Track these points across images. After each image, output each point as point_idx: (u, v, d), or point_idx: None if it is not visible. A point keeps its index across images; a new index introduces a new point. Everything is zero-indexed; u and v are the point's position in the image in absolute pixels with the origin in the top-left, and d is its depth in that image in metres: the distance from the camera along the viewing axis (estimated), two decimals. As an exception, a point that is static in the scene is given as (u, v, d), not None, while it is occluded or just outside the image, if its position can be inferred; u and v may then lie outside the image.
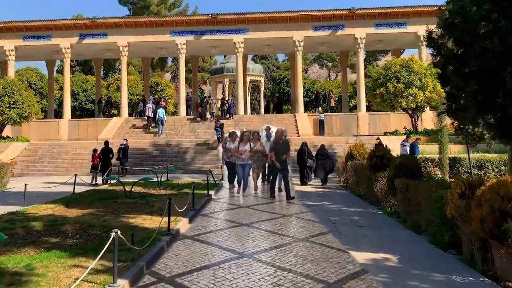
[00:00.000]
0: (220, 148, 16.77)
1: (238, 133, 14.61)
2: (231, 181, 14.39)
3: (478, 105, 6.62)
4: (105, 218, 8.89)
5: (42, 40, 30.35)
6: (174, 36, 29.74)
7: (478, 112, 6.59)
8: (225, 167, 15.39)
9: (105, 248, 4.85)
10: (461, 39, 6.37)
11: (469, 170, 14.31)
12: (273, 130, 16.76)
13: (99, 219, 8.80)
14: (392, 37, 30.36)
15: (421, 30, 28.49)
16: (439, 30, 7.32)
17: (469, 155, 11.46)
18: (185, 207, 9.05)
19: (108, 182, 16.16)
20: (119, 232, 4.84)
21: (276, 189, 13.13)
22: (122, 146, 18.61)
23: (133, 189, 13.48)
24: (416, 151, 17.51)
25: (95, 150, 17.96)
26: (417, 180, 8.47)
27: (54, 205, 10.83)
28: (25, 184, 11.98)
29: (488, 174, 15.22)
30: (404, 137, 20.84)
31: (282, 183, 12.70)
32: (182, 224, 8.22)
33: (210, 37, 29.90)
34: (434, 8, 27.77)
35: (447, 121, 14.91)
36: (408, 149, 18.42)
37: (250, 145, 13.36)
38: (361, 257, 6.29)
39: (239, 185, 13.43)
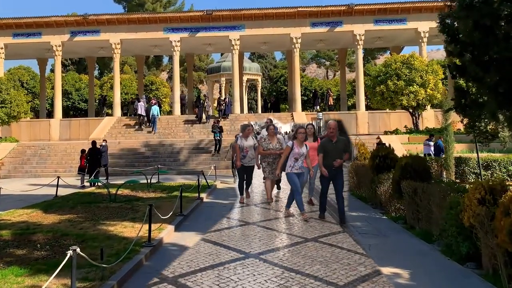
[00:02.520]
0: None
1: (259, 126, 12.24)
2: (242, 191, 11.31)
3: (498, 98, 5.82)
4: (82, 226, 8.07)
5: (32, 37, 29.49)
6: (168, 33, 28.92)
7: (500, 106, 5.79)
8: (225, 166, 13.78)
9: (59, 268, 4.02)
10: (481, 22, 5.56)
11: (478, 171, 13.55)
12: (276, 123, 13.87)
13: (76, 227, 7.98)
14: (391, 34, 29.60)
15: (421, 27, 27.87)
16: (448, 21, 6.57)
17: (478, 155, 10.70)
18: (171, 213, 8.24)
19: (96, 184, 15.34)
20: (78, 250, 4.02)
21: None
22: (101, 147, 17.44)
23: (121, 192, 12.73)
24: (443, 151, 16.65)
25: (83, 151, 17.13)
26: (426, 183, 7.68)
27: (32, 210, 10.01)
28: (0, 188, 11.13)
29: (495, 175, 14.47)
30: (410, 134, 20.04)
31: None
32: (166, 233, 7.40)
33: (205, 34, 29.08)
34: (435, 3, 27.11)
35: (453, 118, 14.16)
36: (432, 148, 17.48)
37: (306, 147, 9.03)
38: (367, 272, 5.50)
39: (299, 205, 8.96)
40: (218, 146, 22.01)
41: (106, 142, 18.23)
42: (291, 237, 7.28)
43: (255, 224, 8.45)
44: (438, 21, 6.41)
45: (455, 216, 5.90)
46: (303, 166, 9.00)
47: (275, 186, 12.08)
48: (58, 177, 13.34)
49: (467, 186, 7.93)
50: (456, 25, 6.04)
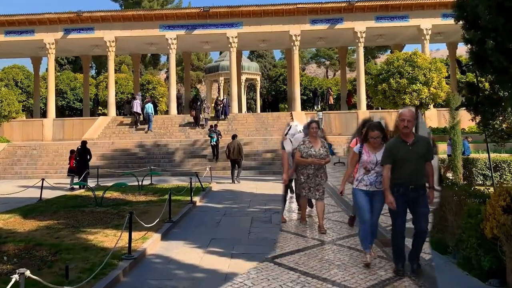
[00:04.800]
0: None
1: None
2: (284, 205, 8.77)
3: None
4: (60, 234, 7.36)
5: (25, 35, 28.69)
6: (164, 31, 28.17)
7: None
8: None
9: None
10: (506, 5, 4.85)
11: (487, 172, 12.86)
12: (295, 125, 8.92)
13: (53, 235, 7.27)
14: (393, 31, 28.88)
15: (424, 24, 27.20)
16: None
17: (489, 156, 10.01)
18: (158, 219, 7.52)
19: (85, 186, 14.60)
20: (27, 273, 3.31)
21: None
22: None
23: (110, 195, 12.08)
24: (467, 152, 15.84)
25: (72, 151, 16.38)
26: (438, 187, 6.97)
27: (10, 216, 9.29)
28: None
29: (504, 177, 13.78)
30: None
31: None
32: (151, 242, 6.68)
33: (202, 32, 28.33)
34: (438, 0, 26.43)
35: (460, 117, 13.47)
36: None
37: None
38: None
39: (363, 240, 5.82)
40: (216, 151, 20.81)
41: (86, 143, 17.02)
42: (297, 239, 6.64)
43: (250, 231, 7.75)
44: (455, 6, 5.70)
45: (475, 226, 5.21)
46: (380, 181, 5.59)
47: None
48: (43, 179, 12.64)
49: (483, 189, 7.24)
50: (476, 9, 5.32)
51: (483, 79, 9.51)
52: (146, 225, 6.79)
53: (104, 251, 6.09)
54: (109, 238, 6.95)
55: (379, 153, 5.63)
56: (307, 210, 8.42)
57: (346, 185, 6.15)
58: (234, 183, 16.12)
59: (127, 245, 6.03)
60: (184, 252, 6.46)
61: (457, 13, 5.63)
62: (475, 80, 8.84)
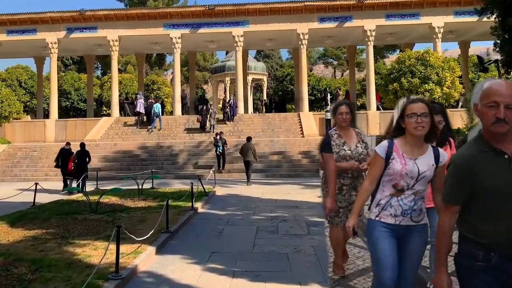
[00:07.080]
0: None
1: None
2: None
3: None
4: (46, 246, 6.67)
5: (27, 34, 28.22)
6: (168, 30, 27.56)
7: None
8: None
9: None
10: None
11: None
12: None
13: (37, 248, 6.58)
14: (404, 30, 28.07)
15: (435, 22, 26.40)
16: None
17: None
18: (153, 230, 6.81)
19: (84, 190, 13.95)
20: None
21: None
22: (63, 151, 15.68)
23: (108, 200, 11.47)
24: None
25: (70, 154, 15.72)
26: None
27: (-3, 223, 8.64)
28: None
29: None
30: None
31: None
32: (144, 257, 5.96)
33: (207, 30, 27.69)
34: (450, -3, 25.65)
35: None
36: None
37: (434, 152, 3.12)
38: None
39: None
40: (222, 161, 19.58)
41: (69, 145, 16.22)
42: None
43: (254, 243, 7.04)
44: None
45: None
46: (420, 209, 3.11)
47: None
48: (36, 183, 11.95)
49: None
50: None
51: (509, 76, 8.73)
52: (137, 238, 6.07)
53: (90, 269, 5.37)
54: (98, 252, 6.24)
55: (422, 159, 3.07)
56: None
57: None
58: (248, 184, 15.97)
59: (122, 259, 5.35)
60: (180, 268, 5.76)
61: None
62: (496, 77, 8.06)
